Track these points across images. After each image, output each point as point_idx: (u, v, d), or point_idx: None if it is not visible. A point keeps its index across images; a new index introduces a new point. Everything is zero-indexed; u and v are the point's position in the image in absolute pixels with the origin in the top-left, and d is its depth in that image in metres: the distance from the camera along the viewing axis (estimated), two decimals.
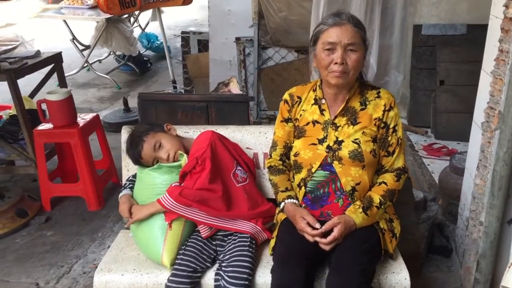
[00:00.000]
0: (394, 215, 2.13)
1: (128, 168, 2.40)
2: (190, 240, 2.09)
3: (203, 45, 5.10)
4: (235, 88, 3.13)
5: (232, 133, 2.40)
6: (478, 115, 2.48)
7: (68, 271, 2.84)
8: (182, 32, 5.33)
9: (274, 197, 2.22)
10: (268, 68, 4.79)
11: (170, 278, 1.94)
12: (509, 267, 1.85)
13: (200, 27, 10.00)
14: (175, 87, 5.38)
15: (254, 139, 2.40)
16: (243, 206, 2.11)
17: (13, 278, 2.80)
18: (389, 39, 4.10)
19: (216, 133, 2.21)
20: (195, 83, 5.07)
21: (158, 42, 7.93)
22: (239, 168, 2.20)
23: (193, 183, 2.02)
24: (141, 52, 7.30)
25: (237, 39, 4.73)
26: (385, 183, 2.01)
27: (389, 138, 2.02)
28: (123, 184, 2.31)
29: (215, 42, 4.80)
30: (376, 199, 1.97)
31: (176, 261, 2.00)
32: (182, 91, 5.10)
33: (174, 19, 10.38)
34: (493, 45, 2.30)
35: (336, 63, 1.90)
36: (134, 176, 2.29)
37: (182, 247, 2.05)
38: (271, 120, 4.85)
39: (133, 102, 5.57)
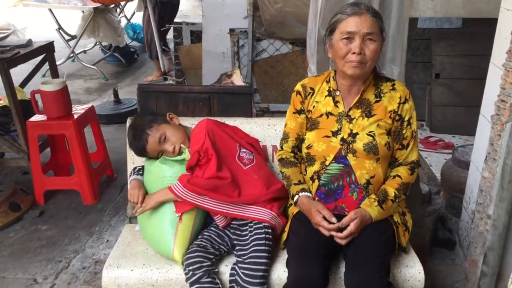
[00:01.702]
0: (406, 209, 2.11)
1: (133, 160, 2.33)
2: (205, 232, 2.06)
3: (196, 36, 5.02)
4: (238, 80, 3.07)
5: (240, 125, 2.35)
6: (486, 108, 2.48)
7: (66, 266, 2.77)
8: (175, 23, 5.24)
9: None
10: (262, 60, 4.74)
11: (188, 255, 1.93)
12: None
13: (185, 18, 9.86)
14: (166, 79, 5.31)
15: (263, 132, 2.36)
16: (256, 187, 2.06)
17: (9, 274, 2.71)
18: (386, 32, 4.07)
19: (212, 120, 2.15)
20: (187, 74, 4.99)
21: None
22: (244, 150, 2.15)
23: (202, 173, 1.98)
24: (127, 43, 7.17)
25: (231, 31, 4.66)
26: (399, 176, 1.99)
27: (404, 131, 2.00)
28: (130, 173, 2.25)
29: (208, 33, 4.72)
30: (391, 192, 1.95)
31: (191, 246, 1.98)
32: (174, 82, 5.01)
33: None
34: (504, 38, 2.29)
35: (354, 52, 1.86)
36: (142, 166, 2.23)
37: (199, 237, 2.02)
38: (264, 112, 4.80)
39: (122, 93, 5.50)
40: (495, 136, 2.31)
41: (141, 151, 2.16)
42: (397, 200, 1.96)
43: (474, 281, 2.50)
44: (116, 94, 5.00)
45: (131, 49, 7.26)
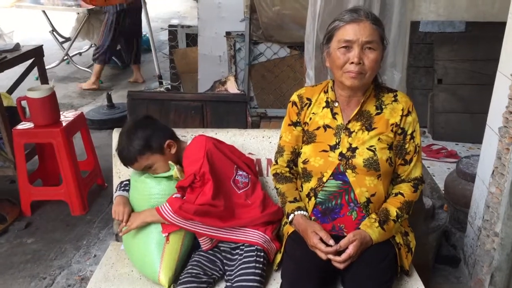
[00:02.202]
0: (409, 228, 1.98)
1: (119, 175, 2.19)
2: (195, 256, 1.92)
3: (192, 39, 4.89)
4: (232, 87, 2.94)
5: (233, 137, 2.21)
6: (493, 119, 2.34)
7: (51, 283, 2.63)
8: (170, 26, 5.11)
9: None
10: (259, 64, 4.60)
11: (180, 286, 1.78)
12: None
13: (183, 19, 9.77)
14: (161, 83, 5.17)
15: (257, 144, 2.22)
16: (249, 211, 1.93)
17: None
18: (387, 36, 3.94)
19: (210, 139, 1.99)
20: (183, 79, 4.86)
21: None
22: (240, 173, 2.00)
23: (195, 198, 1.83)
24: None
25: (228, 34, 4.52)
26: (401, 194, 1.86)
27: (407, 146, 1.87)
28: (116, 187, 2.11)
29: (204, 36, 4.59)
30: (393, 212, 1.81)
31: (182, 275, 1.84)
32: (169, 86, 4.88)
33: (156, 11, 10.12)
34: None
35: (352, 62, 1.73)
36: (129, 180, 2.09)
37: (189, 264, 1.87)
38: (261, 118, 4.67)
39: (116, 98, 5.37)
40: (503, 149, 2.18)
41: (123, 164, 2.02)
42: (399, 220, 1.83)
43: None
44: (109, 98, 4.86)
45: None
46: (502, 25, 2.31)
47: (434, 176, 3.52)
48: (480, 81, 4.01)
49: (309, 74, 3.94)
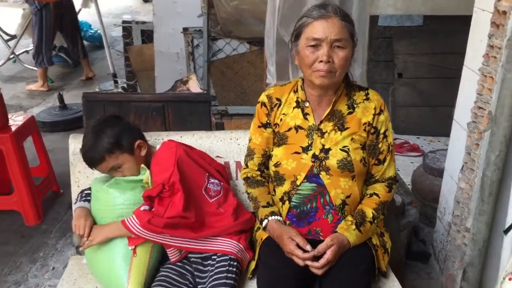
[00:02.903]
0: (384, 228, 1.95)
1: (78, 183, 2.04)
2: (162, 271, 1.80)
3: (147, 36, 4.72)
4: (194, 87, 2.82)
5: (199, 139, 2.11)
6: (460, 114, 2.34)
7: None
8: (123, 22, 4.91)
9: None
10: (218, 60, 4.49)
11: None
12: (504, 279, 1.71)
13: (136, 14, 9.49)
14: (116, 81, 4.98)
15: (225, 147, 2.12)
16: (222, 220, 1.83)
17: None
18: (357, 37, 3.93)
19: (181, 146, 1.88)
20: (139, 77, 4.69)
21: (92, 31, 7.40)
22: (212, 181, 1.89)
23: (164, 210, 1.71)
24: None
25: (185, 30, 4.38)
26: (376, 194, 1.82)
27: (380, 145, 1.82)
28: (76, 197, 1.96)
29: (160, 32, 4.43)
30: (369, 213, 1.77)
31: None
32: (125, 85, 4.70)
33: (108, 6, 9.79)
34: (478, 40, 2.15)
35: (321, 61, 1.67)
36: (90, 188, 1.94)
37: (155, 280, 1.75)
38: (222, 116, 4.56)
39: (68, 98, 5.13)
40: (472, 145, 2.17)
41: (89, 165, 1.88)
42: (375, 221, 1.79)
43: None
44: (61, 99, 4.62)
45: None
46: (459, 18, 2.31)
47: (399, 170, 3.51)
48: (439, 75, 4.05)
49: (270, 70, 3.86)
